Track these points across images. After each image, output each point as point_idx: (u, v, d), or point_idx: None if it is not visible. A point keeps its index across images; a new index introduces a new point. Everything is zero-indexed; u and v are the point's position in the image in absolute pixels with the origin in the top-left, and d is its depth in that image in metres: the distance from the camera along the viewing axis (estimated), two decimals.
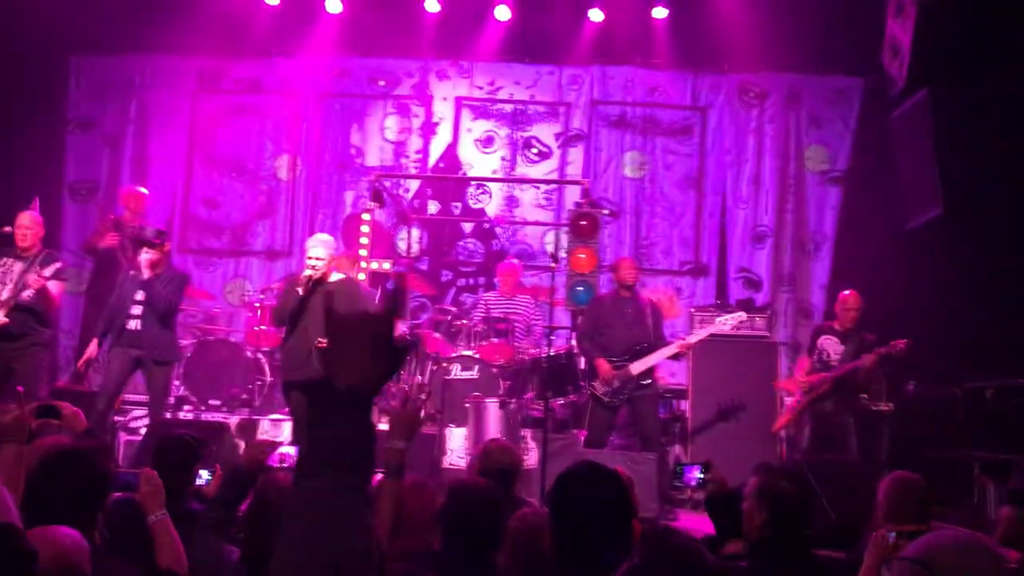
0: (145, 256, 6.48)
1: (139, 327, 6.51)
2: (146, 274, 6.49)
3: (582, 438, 7.76)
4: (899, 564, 1.87)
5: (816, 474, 5.88)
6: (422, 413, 3.53)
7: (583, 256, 7.39)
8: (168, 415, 7.21)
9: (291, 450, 4.17)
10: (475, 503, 3.16)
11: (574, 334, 8.12)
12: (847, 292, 7.50)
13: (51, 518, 1.91)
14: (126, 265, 7.89)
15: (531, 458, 7.13)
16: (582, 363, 7.63)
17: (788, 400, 7.49)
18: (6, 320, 6.45)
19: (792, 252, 9.93)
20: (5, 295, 6.49)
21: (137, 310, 6.52)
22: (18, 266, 6.58)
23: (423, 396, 3.69)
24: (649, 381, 6.99)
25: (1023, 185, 6.47)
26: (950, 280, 7.68)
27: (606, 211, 9.62)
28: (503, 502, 3.31)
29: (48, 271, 6.40)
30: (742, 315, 7.47)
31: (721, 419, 7.65)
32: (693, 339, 7.14)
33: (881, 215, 8.90)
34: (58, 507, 2.00)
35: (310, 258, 6.39)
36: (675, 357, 7.18)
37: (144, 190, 8.72)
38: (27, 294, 6.40)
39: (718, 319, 7.34)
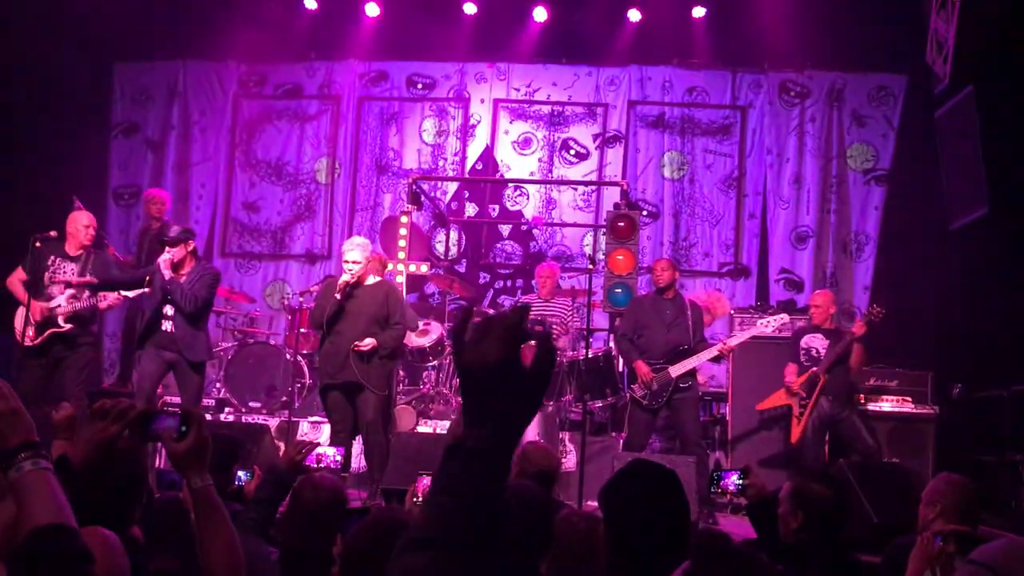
0: (165, 256, 6.41)
1: (171, 328, 6.47)
2: (167, 275, 6.39)
3: (621, 441, 7.72)
4: (966, 568, 1.82)
5: (857, 476, 5.81)
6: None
7: (621, 258, 7.36)
8: (209, 417, 7.28)
9: (330, 451, 4.19)
10: (525, 506, 3.14)
11: (612, 336, 8.09)
12: (818, 292, 7.58)
13: (86, 517, 1.94)
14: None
15: (569, 461, 7.11)
16: (620, 366, 7.59)
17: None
18: (68, 327, 6.54)
19: (834, 253, 9.79)
20: (65, 303, 6.54)
21: (169, 310, 6.49)
22: (69, 267, 6.65)
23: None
24: (689, 383, 6.92)
25: None
26: (995, 281, 7.52)
27: (644, 212, 9.59)
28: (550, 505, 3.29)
29: (57, 300, 6.49)
30: (784, 317, 7.38)
31: (762, 423, 7.56)
32: (734, 341, 7.06)
33: (925, 215, 8.75)
34: (92, 505, 2.02)
35: (346, 261, 6.42)
36: (716, 360, 7.11)
37: (163, 193, 8.78)
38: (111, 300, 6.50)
39: (759, 321, 7.26)
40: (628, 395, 7.11)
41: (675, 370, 6.84)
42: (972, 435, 7.67)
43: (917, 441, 7.41)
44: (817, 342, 7.09)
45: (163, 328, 6.49)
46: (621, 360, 7.57)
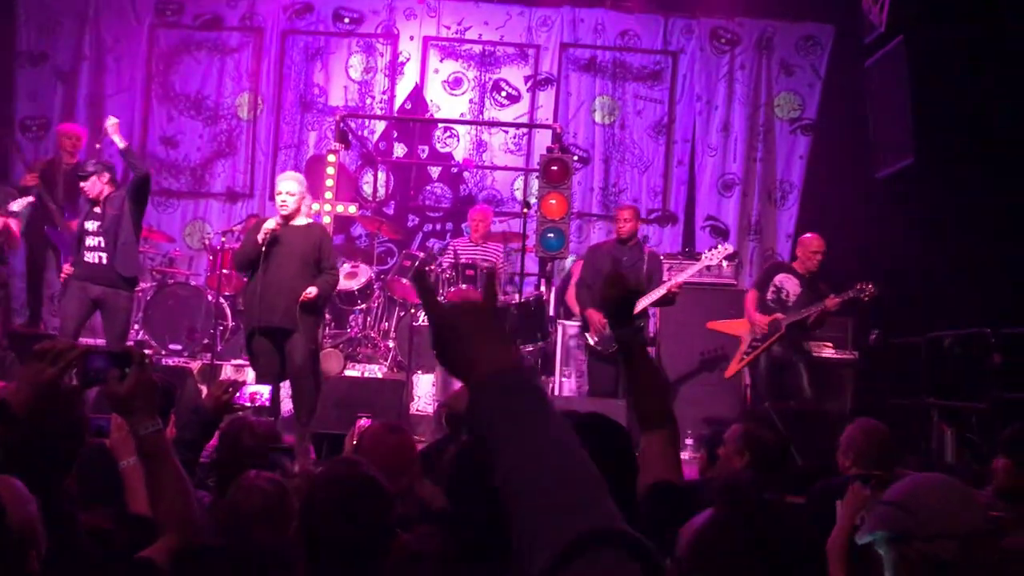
0: (83, 185, 6.24)
1: (97, 260, 6.28)
2: (122, 142, 6.26)
3: (550, 385, 7.76)
4: (879, 508, 1.84)
5: (782, 419, 5.94)
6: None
7: (554, 202, 7.29)
8: None
9: (263, 389, 4.05)
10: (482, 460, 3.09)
11: (543, 280, 8.07)
12: (812, 235, 7.34)
13: (25, 467, 1.81)
14: (55, 208, 7.64)
15: None
16: (551, 310, 7.58)
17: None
18: None
19: (759, 201, 9.92)
20: None
21: (93, 240, 6.28)
22: None
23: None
24: (640, 326, 6.93)
25: (994, 135, 6.47)
26: (918, 230, 7.72)
27: (576, 157, 9.52)
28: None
29: (15, 206, 6.17)
30: (729, 247, 7.38)
31: (688, 366, 7.66)
32: (681, 278, 6.96)
33: (850, 165, 8.91)
34: (31, 452, 1.89)
35: (279, 193, 6.19)
36: (666, 301, 6.97)
37: (78, 128, 8.36)
38: None
39: (705, 253, 7.22)
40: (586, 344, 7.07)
41: None
42: (888, 380, 7.93)
43: (837, 385, 7.62)
44: (791, 284, 6.95)
45: (87, 259, 6.24)
46: (552, 305, 7.56)
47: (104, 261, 6.30)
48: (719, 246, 7.34)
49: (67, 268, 6.48)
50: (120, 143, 6.27)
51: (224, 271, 8.13)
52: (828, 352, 7.74)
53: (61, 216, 7.64)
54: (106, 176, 6.35)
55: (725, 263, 7.36)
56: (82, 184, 6.29)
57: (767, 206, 9.94)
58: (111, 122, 6.22)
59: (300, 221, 6.28)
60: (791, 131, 9.93)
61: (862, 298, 6.64)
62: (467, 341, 1.16)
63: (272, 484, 2.49)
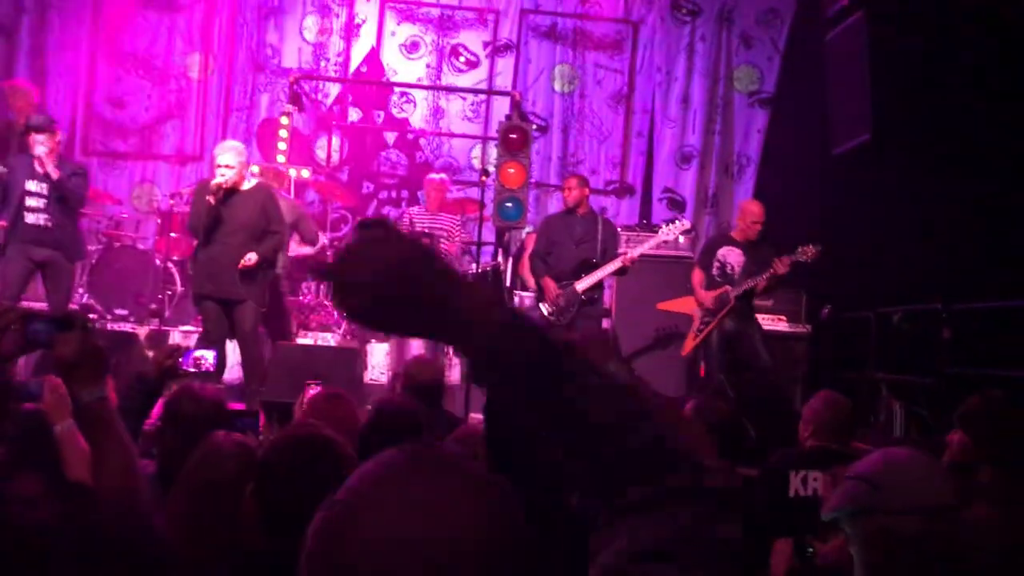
0: (42, 148, 5.95)
1: (44, 222, 6.08)
2: (51, 168, 5.98)
3: None
4: (847, 483, 1.82)
5: (736, 392, 5.98)
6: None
7: (512, 171, 7.19)
8: None
9: (208, 354, 3.92)
10: (400, 424, 3.06)
11: (500, 250, 7.99)
12: (751, 201, 7.31)
13: None
14: None
15: (454, 374, 7.05)
16: (507, 280, 7.51)
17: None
18: None
19: (716, 174, 9.92)
20: None
21: (38, 203, 6.07)
22: None
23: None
24: (596, 297, 6.91)
25: (951, 113, 6.50)
26: (871, 206, 7.77)
27: (534, 126, 9.42)
28: (425, 420, 3.22)
29: None
30: (686, 223, 7.37)
31: (643, 338, 7.66)
32: (637, 252, 6.95)
33: (807, 140, 8.92)
34: None
35: (219, 166, 6.04)
36: (620, 272, 6.96)
37: (28, 83, 8.03)
38: None
39: (662, 228, 7.18)
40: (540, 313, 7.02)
41: (580, 284, 6.81)
42: (840, 354, 8.01)
43: (790, 359, 7.67)
44: (734, 257, 6.93)
45: (30, 221, 6.02)
46: (509, 274, 7.50)
47: (49, 224, 6.09)
48: (676, 221, 7.33)
49: None
50: (53, 174, 6.00)
51: (173, 235, 7.92)
52: (782, 326, 7.79)
53: None
54: (58, 136, 6.16)
55: (682, 238, 7.33)
56: (41, 137, 5.97)
57: (724, 179, 9.95)
58: (41, 151, 5.93)
59: (246, 185, 6.16)
60: (749, 104, 9.93)
61: (804, 260, 6.59)
62: (429, 289, 0.99)
63: (240, 447, 2.40)
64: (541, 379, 0.98)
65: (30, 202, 6.07)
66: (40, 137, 5.96)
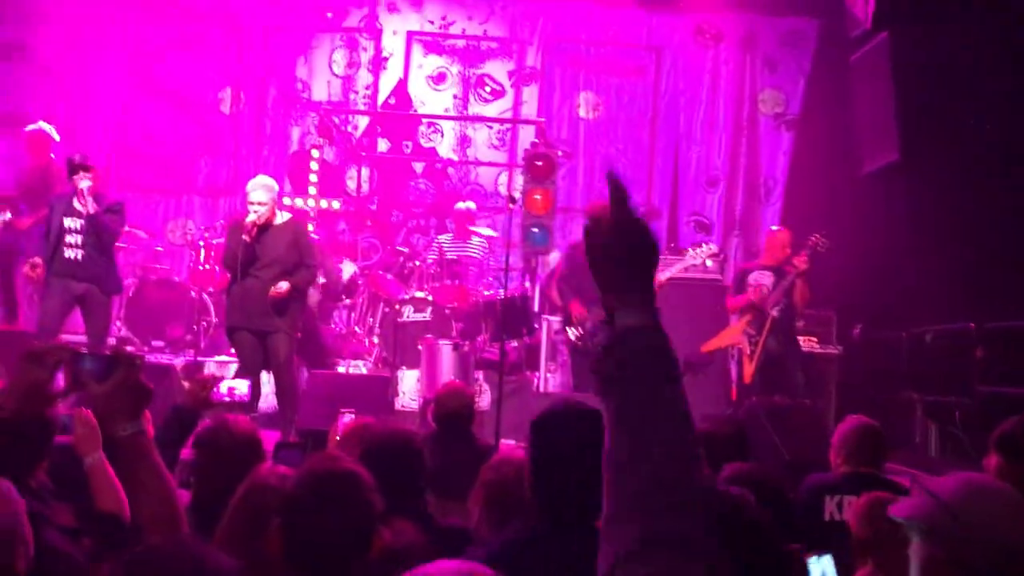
0: (86, 183, 6.13)
1: (79, 257, 6.23)
2: (90, 206, 6.16)
3: (535, 379, 7.74)
4: (920, 496, 1.75)
5: (769, 416, 5.95)
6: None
7: (539, 197, 7.27)
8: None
9: (241, 384, 4.01)
10: (391, 452, 3.04)
11: (527, 276, 8.05)
12: (780, 229, 7.43)
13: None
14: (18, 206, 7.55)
15: (484, 400, 7.08)
16: (536, 305, 7.56)
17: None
18: None
19: (744, 196, 9.93)
20: None
21: (75, 239, 6.23)
22: None
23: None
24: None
25: (978, 130, 6.48)
26: (901, 226, 7.74)
27: (560, 152, 9.50)
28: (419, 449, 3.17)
29: None
30: (714, 247, 7.39)
31: (688, 366, 7.62)
32: (664, 276, 6.97)
33: (834, 161, 8.91)
34: (8, 454, 1.85)
35: (251, 203, 6.19)
36: None
37: (48, 128, 8.22)
38: None
39: (689, 252, 7.21)
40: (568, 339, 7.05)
41: None
42: (871, 374, 7.95)
43: (821, 380, 7.63)
44: (766, 279, 7.03)
45: (67, 256, 6.19)
46: (537, 300, 7.54)
47: (85, 258, 6.25)
48: (704, 245, 7.35)
49: (28, 268, 6.51)
50: (90, 208, 6.18)
51: (206, 267, 8.07)
52: (813, 346, 7.75)
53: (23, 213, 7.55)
54: (96, 172, 6.36)
55: (710, 261, 7.35)
56: (86, 176, 6.17)
57: (751, 202, 9.95)
58: (84, 185, 6.14)
59: (278, 220, 6.28)
60: (775, 127, 9.94)
61: (819, 249, 6.73)
62: (632, 268, 1.18)
63: (285, 481, 2.43)
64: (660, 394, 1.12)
65: (68, 238, 6.24)
66: (83, 173, 6.15)
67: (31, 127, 8.08)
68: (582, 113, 10.04)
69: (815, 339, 7.82)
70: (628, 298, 1.17)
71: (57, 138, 7.93)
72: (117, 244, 6.75)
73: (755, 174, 9.95)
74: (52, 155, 7.72)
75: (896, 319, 7.82)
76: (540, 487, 2.21)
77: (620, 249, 1.19)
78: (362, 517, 2.00)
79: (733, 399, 7.57)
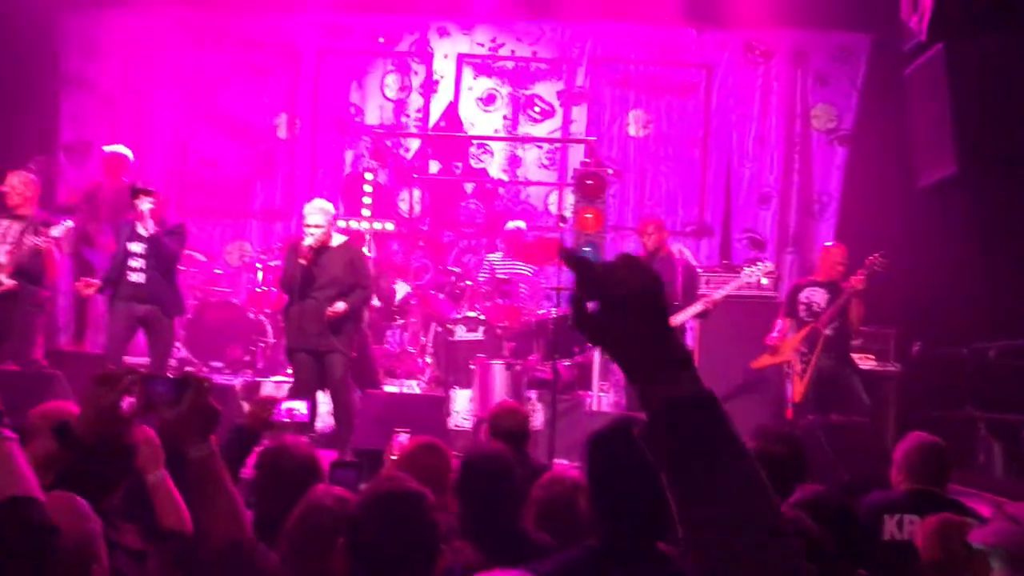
0: (147, 206, 6.34)
1: (143, 280, 6.42)
2: (151, 227, 6.36)
3: (587, 399, 7.73)
4: (1002, 523, 1.72)
5: (827, 434, 5.87)
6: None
7: (590, 216, 7.27)
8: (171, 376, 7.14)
9: (300, 405, 4.07)
10: (489, 471, 3.08)
11: None
12: (835, 244, 7.34)
13: (78, 489, 1.84)
14: (95, 228, 7.77)
15: (537, 420, 7.09)
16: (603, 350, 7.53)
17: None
18: (13, 284, 6.34)
19: (797, 212, 9.84)
20: (3, 257, 6.38)
21: (138, 263, 6.42)
22: (16, 227, 6.47)
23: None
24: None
25: None
26: (960, 240, 7.60)
27: (610, 170, 9.51)
28: (516, 467, 3.24)
29: (56, 231, 6.31)
30: (770, 265, 7.33)
31: (728, 381, 7.56)
32: (719, 295, 6.93)
33: (888, 175, 8.80)
34: (85, 477, 1.92)
35: (308, 226, 6.33)
36: (702, 315, 6.97)
37: (125, 150, 8.48)
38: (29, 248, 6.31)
39: (744, 270, 7.16)
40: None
41: None
42: (931, 392, 7.80)
43: (880, 398, 7.50)
44: (818, 296, 6.95)
45: (132, 280, 6.38)
46: None
47: (148, 281, 6.43)
48: (759, 263, 7.31)
49: (81, 286, 6.72)
50: (151, 231, 6.37)
51: (264, 289, 8.22)
52: (870, 364, 7.63)
53: (101, 236, 7.78)
54: (159, 197, 6.56)
55: (765, 279, 7.28)
56: (147, 200, 6.37)
57: (805, 218, 9.85)
58: (146, 207, 6.34)
59: (334, 242, 6.40)
60: (828, 142, 9.85)
61: (877, 269, 6.62)
62: (648, 341, 1.03)
63: (340, 502, 2.46)
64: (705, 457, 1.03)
65: (132, 262, 6.44)
66: (145, 198, 6.34)
67: (109, 148, 8.37)
68: (632, 131, 10.05)
69: (873, 357, 7.70)
70: (665, 373, 1.04)
71: (132, 159, 8.20)
72: (178, 267, 6.92)
73: (808, 190, 9.85)
74: (125, 179, 7.97)
75: (956, 336, 7.66)
76: (598, 507, 2.20)
77: (624, 326, 1.03)
78: (426, 536, 2.03)
79: (788, 417, 7.48)
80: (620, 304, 1.03)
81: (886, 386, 7.61)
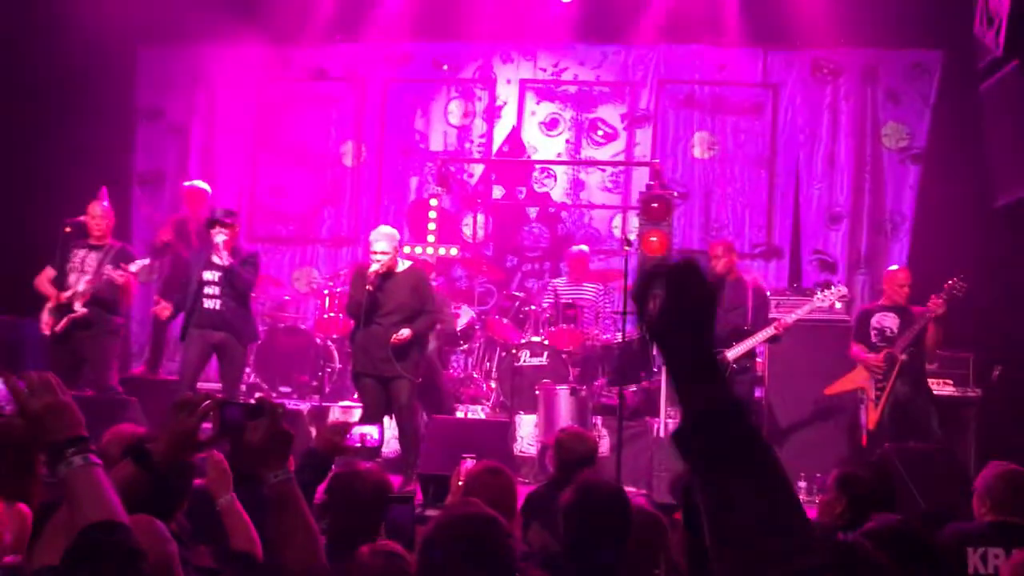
0: (221, 238, 6.49)
1: (218, 307, 6.56)
2: (225, 257, 6.51)
3: (654, 425, 7.62)
4: None
5: (904, 463, 5.69)
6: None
7: (655, 239, 7.21)
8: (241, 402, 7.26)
9: (372, 430, 4.09)
10: (605, 502, 3.00)
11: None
12: (899, 267, 7.28)
13: (146, 509, 1.87)
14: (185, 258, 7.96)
15: (603, 446, 7.02)
16: (655, 348, 7.46)
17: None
18: (85, 311, 6.54)
19: (869, 233, 9.62)
20: (83, 286, 6.57)
21: (213, 290, 6.56)
22: (93, 256, 6.67)
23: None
24: (747, 366, 6.83)
25: None
26: None
27: (675, 193, 9.43)
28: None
29: (134, 267, 6.52)
30: (843, 289, 7.19)
31: (800, 406, 7.40)
32: (790, 319, 6.82)
33: (963, 194, 8.55)
34: (154, 498, 1.95)
35: (374, 252, 6.39)
36: (773, 340, 6.86)
37: (204, 184, 8.70)
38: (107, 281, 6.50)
39: (817, 294, 7.03)
40: None
41: (731, 353, 6.71)
42: (1013, 418, 7.51)
43: (959, 425, 7.26)
44: (889, 320, 6.85)
45: (206, 307, 6.52)
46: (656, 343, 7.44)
47: (223, 308, 6.56)
48: (832, 287, 7.15)
49: (159, 309, 6.98)
50: (226, 261, 6.52)
51: (331, 314, 8.32)
52: (949, 390, 7.39)
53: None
54: (236, 228, 6.71)
55: (839, 304, 7.13)
56: (225, 230, 6.51)
57: (877, 238, 9.63)
58: (220, 239, 6.49)
59: (400, 267, 6.45)
60: (900, 161, 9.63)
61: (956, 294, 6.48)
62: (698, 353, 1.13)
63: (390, 558, 2.42)
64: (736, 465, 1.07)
65: (207, 290, 6.59)
66: (220, 228, 6.48)
67: (188, 184, 8.63)
68: (697, 153, 9.96)
69: (951, 382, 7.46)
70: (698, 386, 1.12)
71: (210, 191, 8.44)
72: (252, 295, 7.06)
73: (880, 210, 9.63)
74: (206, 211, 8.19)
75: None
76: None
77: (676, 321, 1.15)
78: (501, 561, 2.00)
79: (864, 445, 7.28)
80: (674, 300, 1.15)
81: (966, 412, 7.36)
